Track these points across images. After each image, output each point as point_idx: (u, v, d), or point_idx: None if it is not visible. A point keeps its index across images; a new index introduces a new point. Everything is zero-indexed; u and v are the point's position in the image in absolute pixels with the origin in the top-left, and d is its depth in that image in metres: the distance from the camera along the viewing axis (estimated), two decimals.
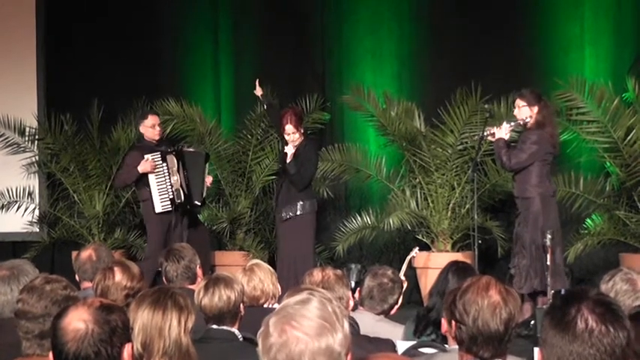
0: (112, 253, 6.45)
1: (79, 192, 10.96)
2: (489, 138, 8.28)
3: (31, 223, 11.34)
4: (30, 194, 11.34)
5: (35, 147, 11.27)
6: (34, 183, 11.40)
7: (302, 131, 8.68)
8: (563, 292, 4.76)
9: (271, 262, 8.65)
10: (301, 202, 8.62)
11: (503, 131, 8.08)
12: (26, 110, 11.21)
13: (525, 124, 8.02)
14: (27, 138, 11.22)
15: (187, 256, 5.63)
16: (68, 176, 11.02)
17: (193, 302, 3.89)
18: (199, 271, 5.63)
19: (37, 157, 11.29)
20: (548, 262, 7.37)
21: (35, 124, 11.25)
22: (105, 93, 10.88)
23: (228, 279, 4.47)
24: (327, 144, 10.30)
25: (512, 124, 8.13)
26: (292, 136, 8.61)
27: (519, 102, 8.09)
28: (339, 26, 10.65)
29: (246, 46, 11.01)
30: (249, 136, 10.54)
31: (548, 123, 8.07)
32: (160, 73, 11.22)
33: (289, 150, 8.65)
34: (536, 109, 8.00)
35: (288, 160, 8.63)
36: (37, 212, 11.34)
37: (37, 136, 11.23)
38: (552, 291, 7.26)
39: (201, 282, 4.65)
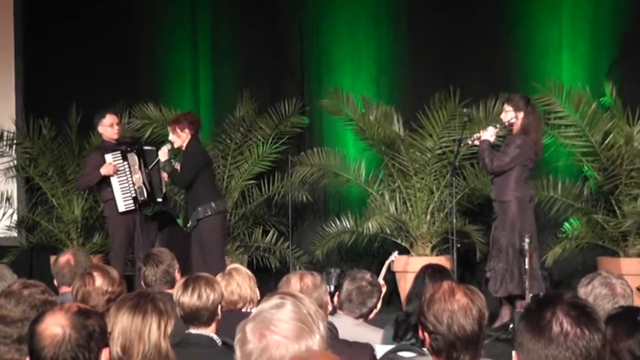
0: (91, 257, 6.45)
1: (58, 196, 10.91)
2: (476, 142, 8.32)
3: (9, 228, 11.29)
4: (8, 199, 11.30)
5: (13, 151, 11.22)
6: (12, 187, 11.35)
7: (184, 133, 8.49)
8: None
9: (250, 267, 8.65)
10: (199, 208, 8.46)
11: (488, 133, 8.15)
12: (4, 115, 11.18)
13: (510, 125, 8.08)
14: (5, 142, 11.18)
15: (166, 261, 5.62)
16: (47, 181, 10.97)
17: (173, 307, 3.88)
18: (178, 276, 5.61)
19: (15, 162, 11.24)
20: (527, 266, 7.39)
21: (13, 128, 11.21)
22: (83, 97, 10.84)
23: (209, 278, 4.46)
24: (305, 148, 10.31)
25: (498, 126, 8.20)
26: (172, 139, 8.57)
27: (506, 106, 8.16)
28: (318, 30, 10.65)
29: (225, 50, 11.01)
30: (228, 141, 10.52)
31: (534, 130, 8.11)
32: (139, 78, 11.19)
33: (161, 151, 8.66)
34: (521, 114, 8.05)
35: (162, 159, 8.64)
36: (15, 217, 11.29)
37: (15, 141, 11.18)
38: (531, 295, 7.29)
39: (180, 280, 4.63)
